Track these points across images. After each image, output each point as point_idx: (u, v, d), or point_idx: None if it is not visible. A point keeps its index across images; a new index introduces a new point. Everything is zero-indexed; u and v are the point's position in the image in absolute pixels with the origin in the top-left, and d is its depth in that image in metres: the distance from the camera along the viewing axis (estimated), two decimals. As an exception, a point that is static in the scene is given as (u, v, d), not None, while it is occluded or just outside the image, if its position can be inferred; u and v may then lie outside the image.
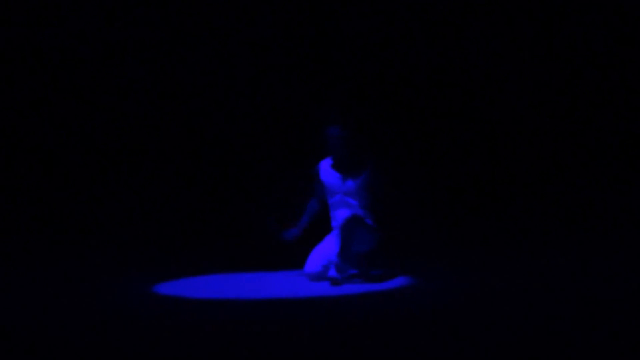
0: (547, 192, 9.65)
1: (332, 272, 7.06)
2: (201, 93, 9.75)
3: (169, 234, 9.58)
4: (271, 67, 9.71)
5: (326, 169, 7.42)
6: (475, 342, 4.81)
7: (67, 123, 9.65)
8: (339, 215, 7.32)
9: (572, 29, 9.60)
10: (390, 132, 9.60)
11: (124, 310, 6.09)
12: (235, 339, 5.07)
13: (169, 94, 9.74)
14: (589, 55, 9.61)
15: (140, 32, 9.68)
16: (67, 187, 9.65)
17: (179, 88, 9.74)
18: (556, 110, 9.69)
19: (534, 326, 5.13)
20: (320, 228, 7.54)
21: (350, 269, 7.12)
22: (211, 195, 9.80)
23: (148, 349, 4.88)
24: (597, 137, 9.63)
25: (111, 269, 8.11)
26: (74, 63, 9.64)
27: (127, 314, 5.96)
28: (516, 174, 9.72)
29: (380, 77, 9.70)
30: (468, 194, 9.71)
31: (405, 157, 9.67)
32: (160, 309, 6.15)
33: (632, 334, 4.85)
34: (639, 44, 9.49)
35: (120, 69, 9.69)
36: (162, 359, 4.67)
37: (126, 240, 9.41)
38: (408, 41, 9.70)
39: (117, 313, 5.99)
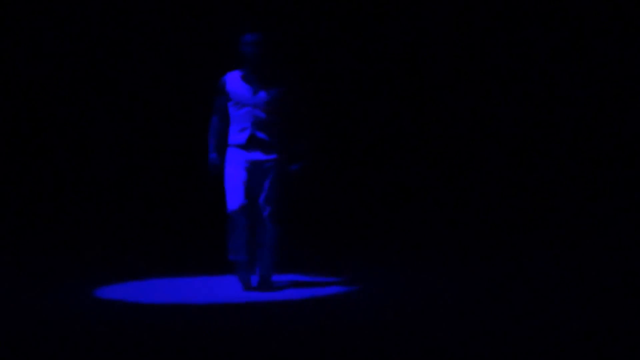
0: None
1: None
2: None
3: (111, 237, 9.59)
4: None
5: (235, 80, 7.06)
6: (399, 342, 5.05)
7: None
8: (244, 133, 6.99)
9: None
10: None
11: (63, 315, 6.16)
12: (171, 343, 5.23)
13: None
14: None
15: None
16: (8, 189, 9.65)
17: None
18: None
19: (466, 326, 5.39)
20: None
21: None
22: (152, 197, 9.84)
23: (88, 354, 5.02)
24: (523, 134, 9.72)
25: (50, 273, 8.04)
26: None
27: (67, 318, 6.04)
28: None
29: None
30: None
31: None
32: (100, 314, 6.25)
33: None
34: None
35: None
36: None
37: (66, 243, 9.40)
38: None
39: (56, 317, 6.07)
